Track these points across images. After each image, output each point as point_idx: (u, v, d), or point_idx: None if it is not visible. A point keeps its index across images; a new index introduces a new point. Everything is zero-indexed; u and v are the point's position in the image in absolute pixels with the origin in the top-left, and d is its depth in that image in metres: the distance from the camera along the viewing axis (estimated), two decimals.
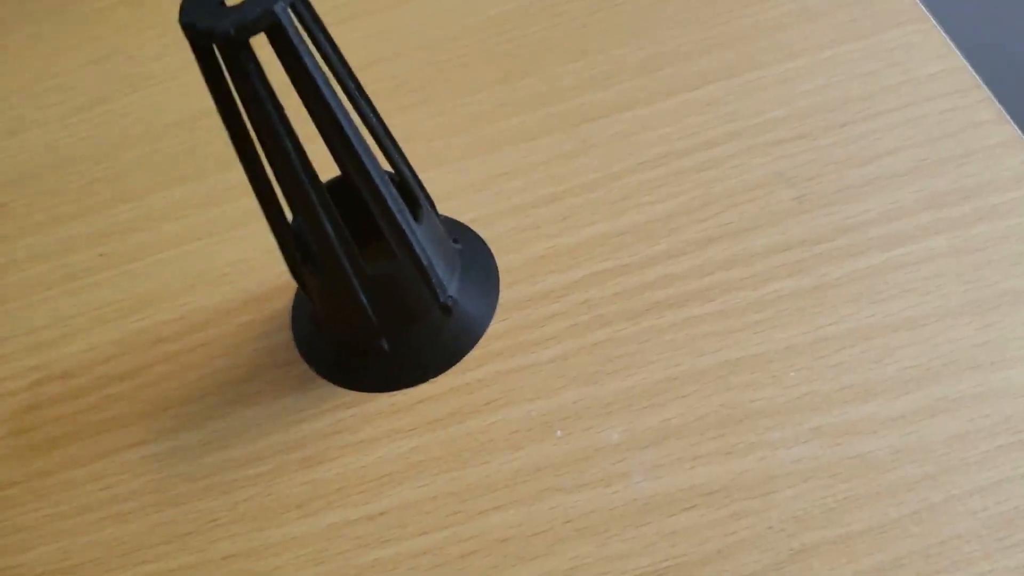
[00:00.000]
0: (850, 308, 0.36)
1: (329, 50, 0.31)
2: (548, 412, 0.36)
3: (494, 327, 0.39)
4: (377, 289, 0.35)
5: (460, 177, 0.43)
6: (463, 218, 0.42)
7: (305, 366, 0.39)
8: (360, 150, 0.31)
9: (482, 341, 0.38)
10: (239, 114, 0.30)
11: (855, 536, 0.32)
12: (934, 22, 0.44)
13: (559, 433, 0.35)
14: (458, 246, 0.40)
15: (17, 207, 0.50)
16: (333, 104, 0.30)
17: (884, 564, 0.31)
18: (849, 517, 0.32)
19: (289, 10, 0.27)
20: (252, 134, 0.31)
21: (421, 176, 0.36)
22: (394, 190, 0.33)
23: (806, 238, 0.38)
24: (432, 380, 0.38)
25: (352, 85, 0.33)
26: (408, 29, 0.49)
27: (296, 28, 0.28)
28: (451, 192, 0.43)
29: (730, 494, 0.33)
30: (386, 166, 0.37)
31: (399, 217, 0.33)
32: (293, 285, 0.42)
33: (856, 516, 0.32)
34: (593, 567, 0.33)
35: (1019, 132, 0.39)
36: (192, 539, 0.36)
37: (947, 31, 0.43)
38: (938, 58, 0.42)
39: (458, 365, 0.38)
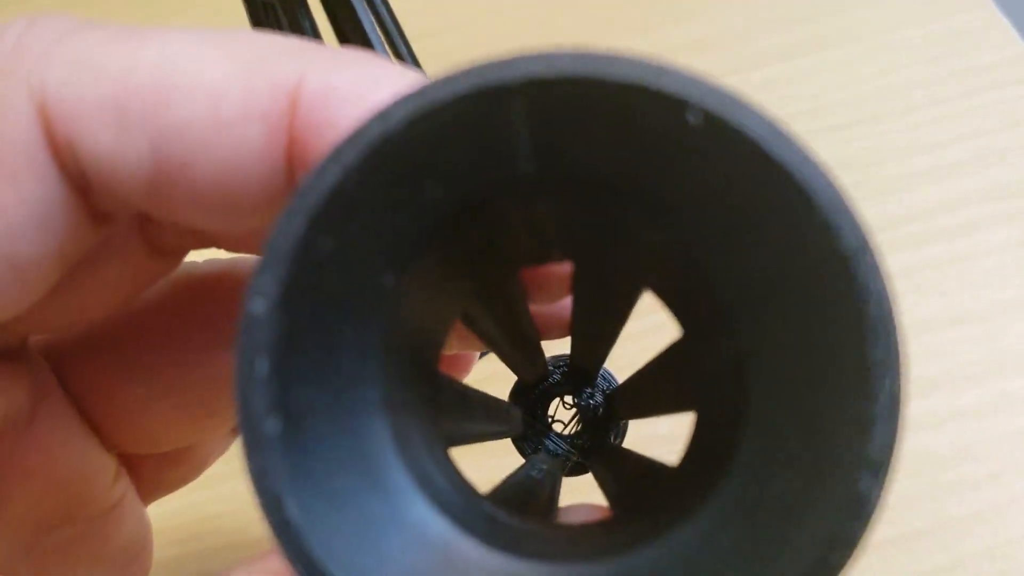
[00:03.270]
0: (911, 299, 0.35)
1: (385, 14, 0.30)
2: None
3: None
4: None
5: None
6: None
7: None
8: None
9: None
10: None
11: (916, 535, 0.31)
12: (997, 9, 0.42)
13: None
14: None
15: None
16: None
17: (946, 564, 0.30)
18: (910, 515, 0.31)
19: None
20: None
21: None
22: None
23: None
24: None
25: (406, 52, 0.31)
26: (457, 2, 0.48)
27: None
28: None
29: None
30: None
31: None
32: None
33: (917, 514, 0.31)
34: None
35: None
36: None
37: (1011, 19, 0.42)
38: (1001, 46, 0.41)
39: None
